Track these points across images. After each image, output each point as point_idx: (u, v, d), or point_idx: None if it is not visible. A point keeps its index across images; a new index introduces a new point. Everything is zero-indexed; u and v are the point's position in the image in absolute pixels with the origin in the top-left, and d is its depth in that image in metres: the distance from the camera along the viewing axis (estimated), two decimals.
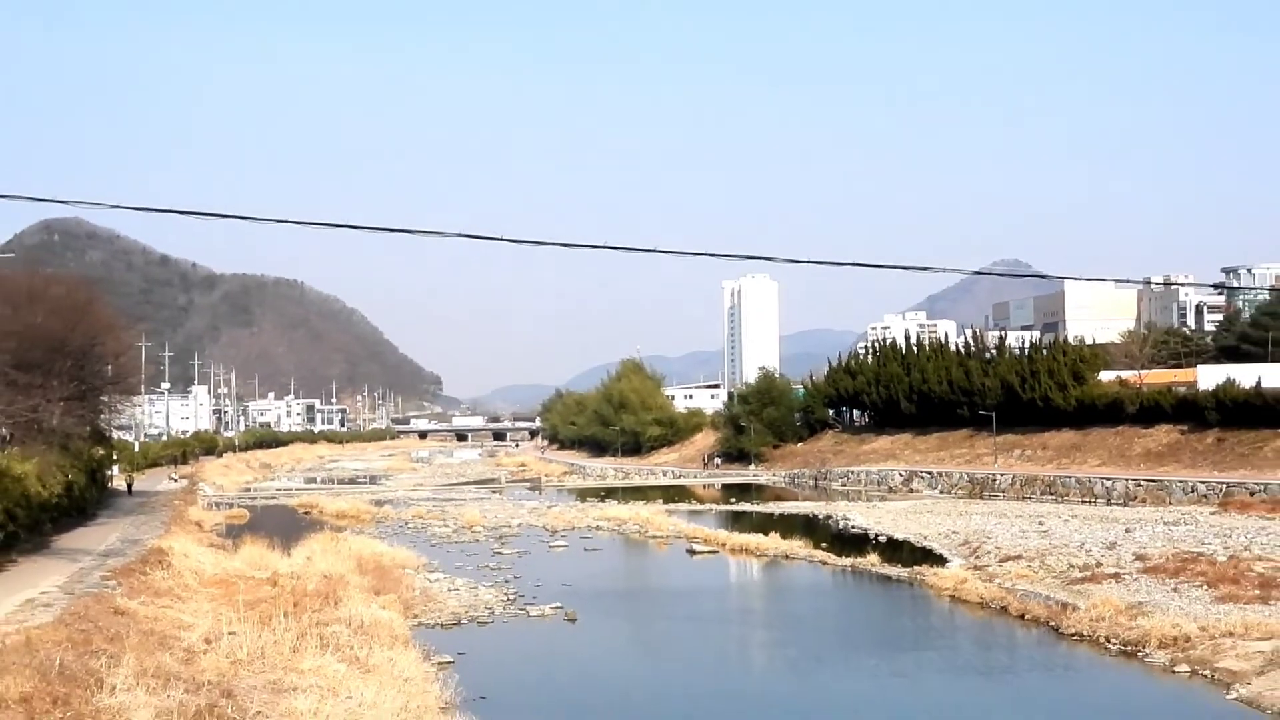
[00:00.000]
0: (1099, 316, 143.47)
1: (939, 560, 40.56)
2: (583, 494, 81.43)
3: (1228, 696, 20.99)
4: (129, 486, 64.43)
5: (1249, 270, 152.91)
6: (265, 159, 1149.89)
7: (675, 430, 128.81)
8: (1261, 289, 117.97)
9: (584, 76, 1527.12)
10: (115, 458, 68.95)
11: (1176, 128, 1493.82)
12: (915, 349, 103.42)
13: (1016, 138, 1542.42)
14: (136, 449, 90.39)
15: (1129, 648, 25.04)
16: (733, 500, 74.09)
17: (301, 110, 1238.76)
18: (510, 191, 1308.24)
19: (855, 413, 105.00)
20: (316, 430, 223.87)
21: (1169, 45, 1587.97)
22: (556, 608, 31.93)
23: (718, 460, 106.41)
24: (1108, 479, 67.54)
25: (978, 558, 40.41)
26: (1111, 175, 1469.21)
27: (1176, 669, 23.16)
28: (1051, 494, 67.90)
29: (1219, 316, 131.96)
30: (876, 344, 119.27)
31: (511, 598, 33.63)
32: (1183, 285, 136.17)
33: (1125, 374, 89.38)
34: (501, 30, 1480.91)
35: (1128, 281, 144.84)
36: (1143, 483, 65.00)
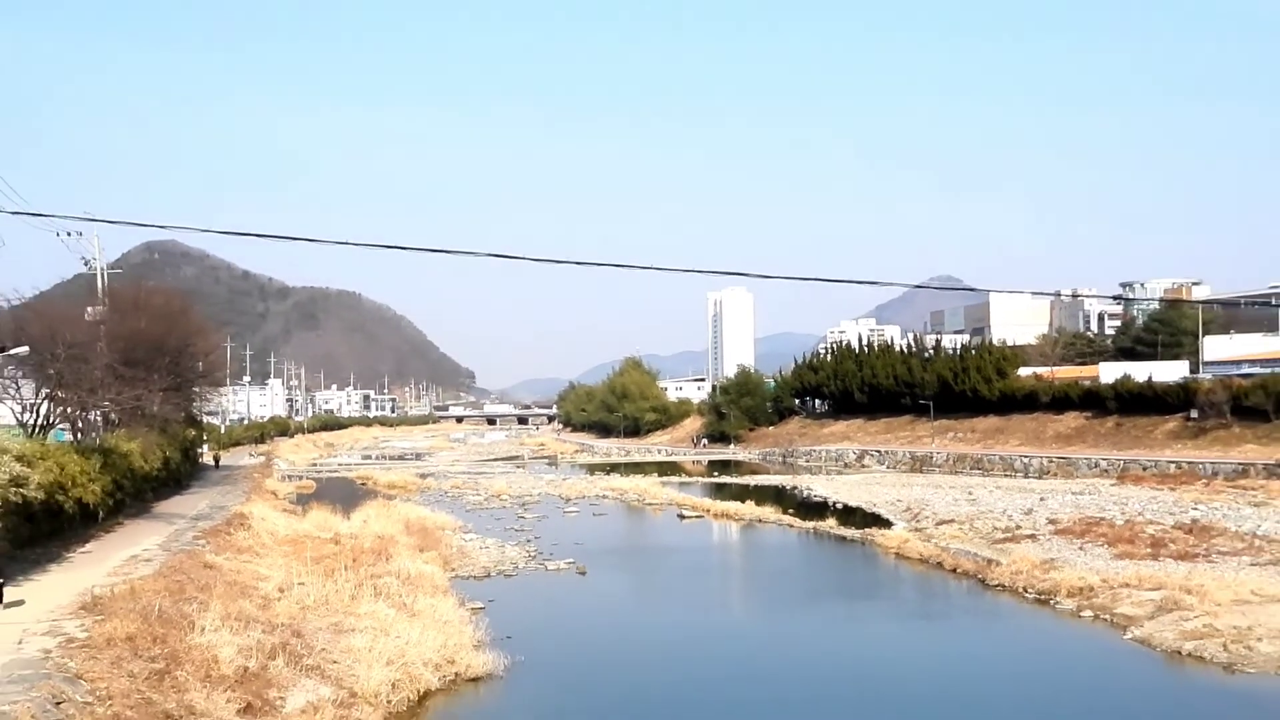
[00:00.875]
0: (1018, 323, 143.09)
1: (885, 523, 40.57)
2: (591, 469, 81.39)
3: (1125, 637, 21.01)
4: (216, 462, 64.60)
5: (1142, 284, 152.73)
6: (331, 190, 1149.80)
7: (668, 416, 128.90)
8: (1152, 300, 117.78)
9: (598, 131, 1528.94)
10: (205, 438, 68.98)
11: (1081, 165, 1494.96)
12: (866, 349, 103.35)
13: (950, 173, 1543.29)
14: (223, 431, 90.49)
15: (1043, 596, 25.08)
16: (715, 474, 74.18)
17: (356, 154, 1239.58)
18: (534, 219, 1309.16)
19: (817, 402, 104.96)
20: (371, 416, 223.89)
21: (1071, 94, 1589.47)
22: (570, 563, 31.98)
23: (704, 441, 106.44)
24: (1026, 456, 67.56)
25: (918, 521, 40.46)
26: (1029, 204, 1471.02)
27: (1082, 614, 23.20)
28: (979, 469, 67.90)
29: (1117, 323, 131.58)
30: (834, 345, 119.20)
31: (532, 554, 33.65)
32: (1087, 296, 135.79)
33: (1040, 370, 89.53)
34: (525, 93, 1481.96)
35: (1042, 293, 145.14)
36: (1054, 460, 65.05)
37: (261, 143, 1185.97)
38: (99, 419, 41.11)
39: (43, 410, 36.44)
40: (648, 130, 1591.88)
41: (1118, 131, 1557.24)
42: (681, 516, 46.10)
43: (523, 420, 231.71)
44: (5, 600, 17.55)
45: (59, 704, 12.60)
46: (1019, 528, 36.35)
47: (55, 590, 19.99)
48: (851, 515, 44.04)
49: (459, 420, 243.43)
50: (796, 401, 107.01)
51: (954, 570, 29.60)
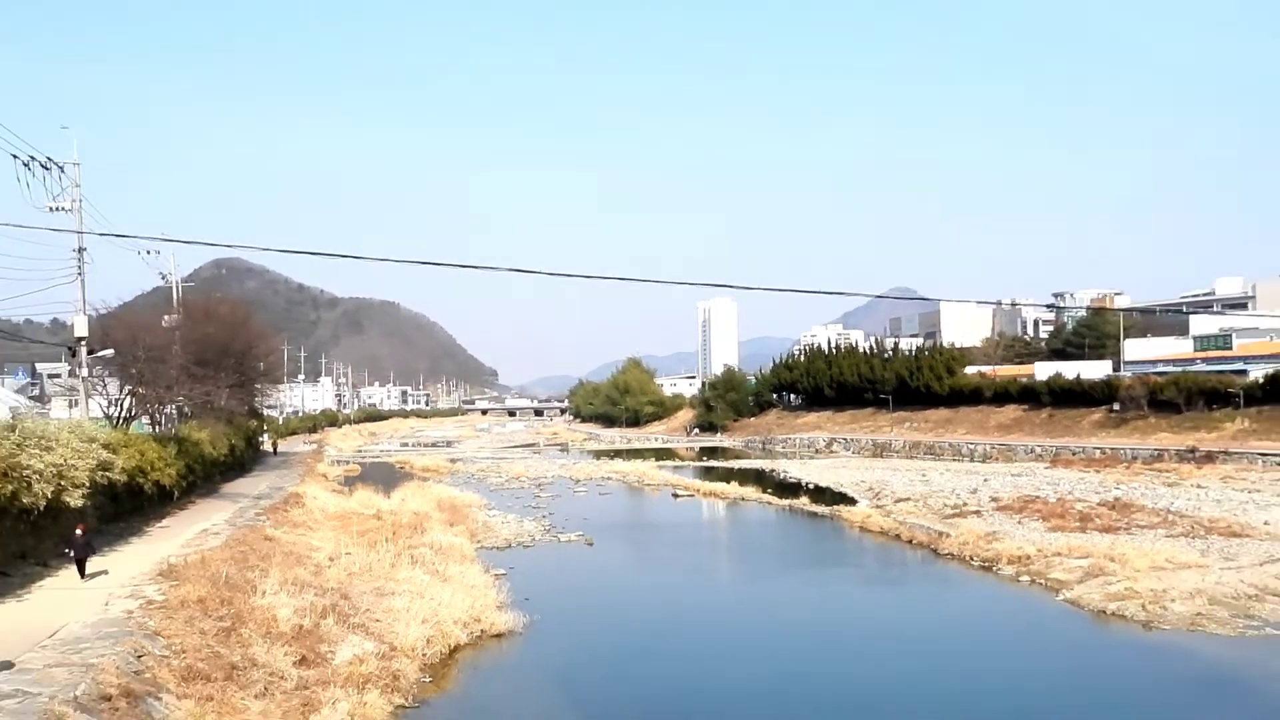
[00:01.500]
0: (965, 328, 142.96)
1: (851, 501, 40.53)
2: (598, 454, 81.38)
3: (1057, 598, 21.03)
4: (274, 448, 64.34)
5: (1071, 294, 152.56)
6: (374, 212, 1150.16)
7: (664, 409, 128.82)
8: (1080, 308, 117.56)
9: (604, 154, 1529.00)
10: (265, 428, 68.82)
11: (1022, 188, 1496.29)
12: (834, 351, 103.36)
13: (903, 198, 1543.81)
14: (280, 422, 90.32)
15: (986, 564, 25.08)
16: (704, 459, 74.12)
17: (396, 181, 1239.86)
18: (549, 237, 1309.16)
19: (792, 396, 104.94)
20: (408, 409, 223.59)
21: (999, 129, 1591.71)
22: (579, 535, 31.97)
23: (696, 430, 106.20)
24: (971, 444, 67.58)
25: (879, 499, 40.44)
26: (972, 223, 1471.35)
27: (1020, 579, 23.20)
28: (932, 454, 67.91)
29: (1050, 328, 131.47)
30: (807, 347, 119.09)
31: (547, 528, 33.62)
32: (1024, 305, 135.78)
33: (984, 369, 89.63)
34: (543, 130, 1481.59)
35: (986, 302, 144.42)
36: (996, 446, 65.05)
37: (313, 170, 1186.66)
38: (174, 412, 41.16)
39: (125, 405, 36.47)
40: (646, 155, 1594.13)
41: (1060, 157, 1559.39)
42: (675, 495, 46.08)
43: (539, 412, 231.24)
44: (88, 572, 17.65)
45: (140, 657, 12.62)
46: (966, 505, 36.37)
47: (136, 559, 20.02)
48: (822, 494, 44.02)
49: (483, 413, 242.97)
50: (774, 396, 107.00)
51: (910, 541, 29.61)
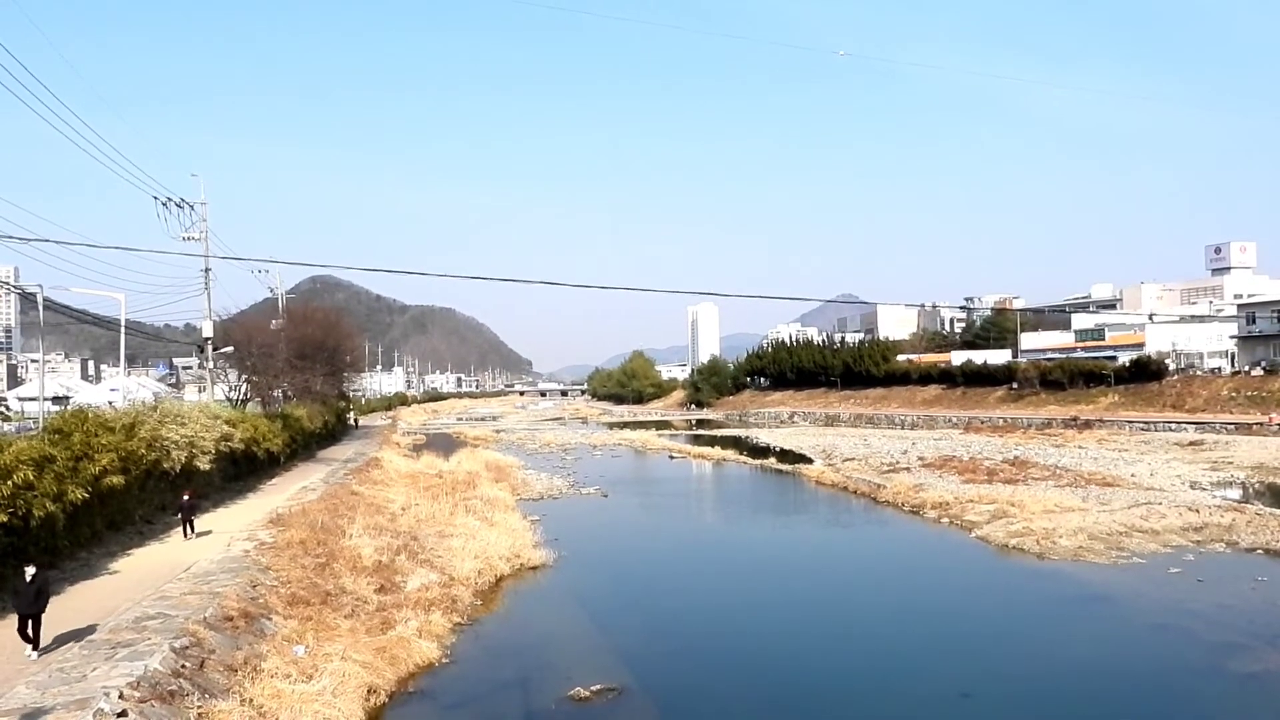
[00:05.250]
0: (897, 325, 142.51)
1: (808, 460, 40.49)
2: (611, 425, 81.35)
3: (970, 536, 20.96)
4: (356, 423, 63.89)
5: (979, 298, 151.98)
6: (433, 234, 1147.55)
7: (661, 390, 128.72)
8: (986, 308, 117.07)
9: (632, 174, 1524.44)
10: (351, 408, 68.82)
11: (936, 205, 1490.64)
12: (795, 344, 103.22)
13: (850, 219, 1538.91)
14: (363, 402, 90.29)
15: (915, 509, 25.00)
16: (694, 429, 74.04)
17: (449, 212, 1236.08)
18: (573, 251, 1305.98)
19: (762, 379, 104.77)
20: (462, 391, 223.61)
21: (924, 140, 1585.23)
22: (597, 489, 31.93)
23: (692, 406, 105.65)
24: (902, 415, 67.46)
25: (830, 459, 40.38)
26: (906, 238, 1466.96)
27: (941, 521, 23.14)
28: (871, 424, 67.79)
29: (963, 324, 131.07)
30: (773, 341, 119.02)
31: (572, 484, 33.58)
32: (943, 306, 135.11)
33: (911, 356, 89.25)
34: (577, 154, 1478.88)
35: (912, 304, 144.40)
36: (921, 417, 64.92)
37: (388, 204, 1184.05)
38: (280, 395, 41.10)
39: (242, 390, 36.48)
40: (646, 187, 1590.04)
41: (961, 186, 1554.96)
42: (671, 457, 46.00)
43: (564, 393, 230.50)
44: (196, 530, 16.68)
45: (255, 586, 12.61)
46: (898, 463, 36.30)
47: (252, 510, 20.03)
48: (785, 455, 43.95)
49: (521, 394, 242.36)
50: (748, 379, 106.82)
51: (855, 492, 29.54)
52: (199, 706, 8.49)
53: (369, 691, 10.27)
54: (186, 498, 16.74)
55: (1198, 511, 21.87)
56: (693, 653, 13.09)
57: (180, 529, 16.67)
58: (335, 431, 48.42)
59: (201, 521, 17.96)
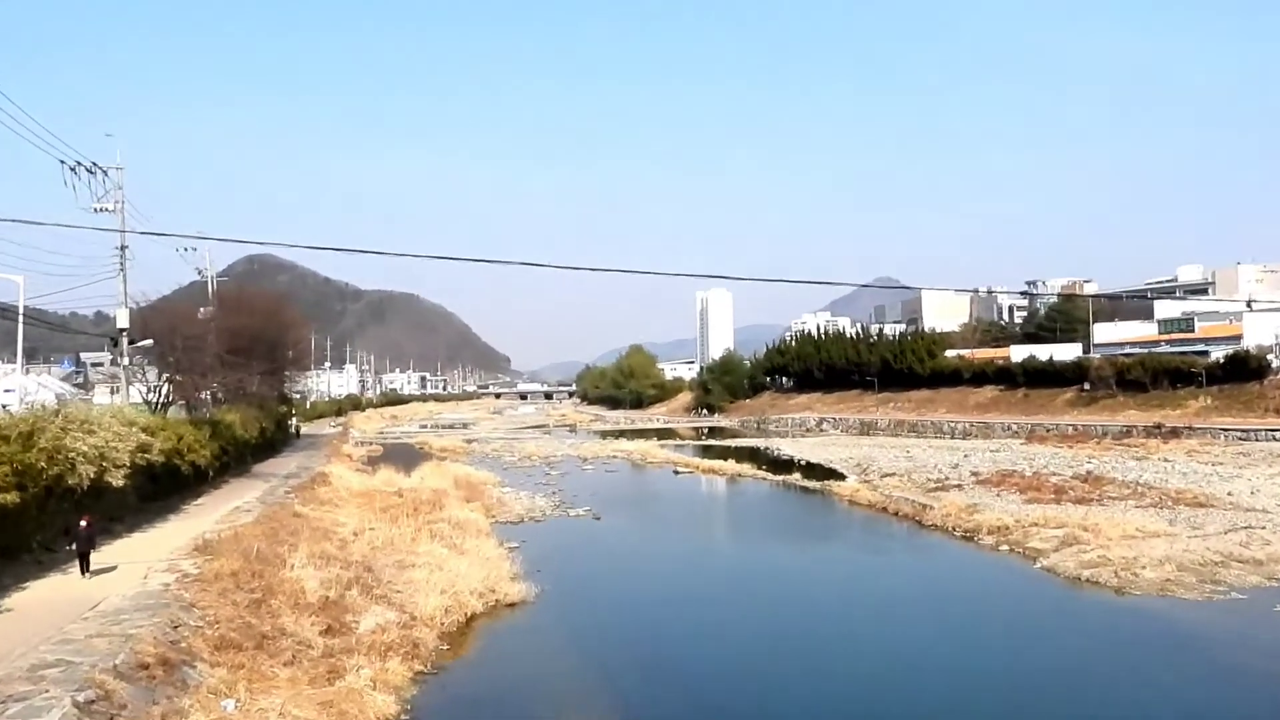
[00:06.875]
0: (945, 314, 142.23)
1: (840, 476, 40.42)
2: (604, 434, 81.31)
3: (1035, 566, 20.88)
4: (298, 431, 63.44)
5: (1043, 282, 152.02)
6: (393, 209, 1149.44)
7: (664, 392, 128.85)
8: (1052, 294, 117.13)
9: (605, 153, 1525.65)
10: (294, 412, 68.72)
11: (994, 181, 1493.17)
12: (823, 336, 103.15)
13: (887, 190, 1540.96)
14: (308, 406, 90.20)
15: (968, 534, 24.93)
16: (703, 438, 74.03)
17: (412, 182, 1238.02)
18: (555, 229, 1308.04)
19: (784, 379, 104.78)
20: (427, 393, 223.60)
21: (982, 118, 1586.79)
22: (587, 510, 31.87)
23: (701, 411, 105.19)
24: (952, 422, 67.39)
25: (866, 474, 40.29)
26: (953, 215, 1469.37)
27: (1000, 548, 23.06)
28: (915, 432, 67.76)
29: (1024, 313, 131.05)
30: (797, 334, 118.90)
31: (557, 504, 33.53)
32: (1000, 292, 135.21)
33: (963, 352, 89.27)
34: (558, 141, 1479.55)
35: (964, 290, 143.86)
36: (975, 424, 64.85)
37: (338, 174, 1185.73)
38: (209, 397, 41.00)
39: (164, 391, 36.37)
40: (645, 156, 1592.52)
41: (1021, 159, 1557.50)
42: (676, 472, 45.95)
43: (548, 396, 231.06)
44: (92, 567, 15.55)
45: (176, 628, 12.49)
46: (947, 479, 36.21)
47: (173, 535, 19.91)
48: (813, 470, 43.86)
49: (497, 396, 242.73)
50: (768, 379, 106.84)
51: (896, 513, 29.46)
52: None
53: None
54: (84, 524, 15.63)
55: None
56: (702, 710, 12.98)
57: (113, 548, 16.70)
58: (275, 441, 48.32)
59: (112, 549, 17.83)
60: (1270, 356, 60.26)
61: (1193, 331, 73.06)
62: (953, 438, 62.31)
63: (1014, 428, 61.15)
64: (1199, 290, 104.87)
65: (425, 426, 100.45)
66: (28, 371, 64.15)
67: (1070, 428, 57.24)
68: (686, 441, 70.34)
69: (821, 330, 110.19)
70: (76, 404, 28.67)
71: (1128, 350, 71.49)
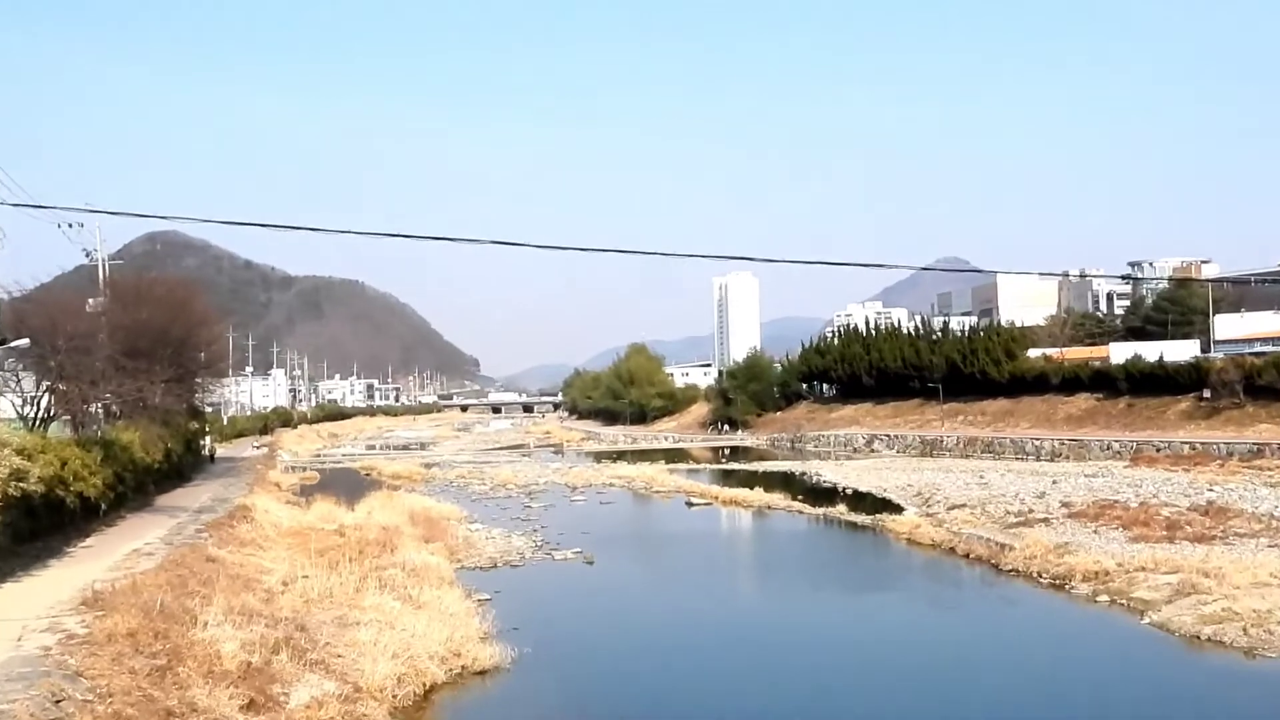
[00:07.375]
0: (1026, 304, 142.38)
1: (896, 509, 40.34)
2: (598, 456, 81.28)
3: (1142, 622, 20.79)
4: (213, 454, 63.25)
5: (1150, 263, 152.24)
6: (331, 180, 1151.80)
7: (674, 402, 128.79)
8: (1161, 279, 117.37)
9: (597, 114, 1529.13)
10: (207, 430, 68.71)
11: (1084, 144, 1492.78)
12: (873, 332, 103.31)
13: (953, 153, 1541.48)
14: (225, 422, 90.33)
15: (1058, 581, 24.86)
16: (723, 460, 73.98)
17: (353, 144, 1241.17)
18: (536, 207, 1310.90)
19: (824, 386, 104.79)
20: (375, 405, 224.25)
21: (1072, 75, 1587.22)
22: (577, 552, 31.82)
23: (722, 427, 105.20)
24: (1037, 439, 67.33)
25: (929, 506, 40.20)
26: (1036, 182, 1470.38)
27: (1098, 599, 22.98)
28: (990, 452, 67.65)
29: (1126, 302, 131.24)
30: (841, 328, 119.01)
31: (539, 544, 33.50)
32: (1096, 276, 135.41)
33: (1049, 351, 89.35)
34: (528, 83, 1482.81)
35: (1050, 274, 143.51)
36: (1066, 442, 64.79)
37: (261, 134, 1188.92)
38: (100, 411, 40.96)
39: (43, 403, 36.33)
40: (648, 112, 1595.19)
41: (1123, 113, 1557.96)
42: (689, 504, 45.87)
43: (528, 408, 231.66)
44: None
45: (59, 702, 12.44)
46: (1031, 511, 36.11)
47: (56, 585, 19.83)
48: (861, 500, 43.79)
49: (463, 409, 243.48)
50: (804, 386, 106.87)
51: (967, 555, 29.40)
52: None
53: None
54: None
55: None
56: None
57: None
58: (184, 466, 48.30)
59: None
60: None
61: None
62: (1038, 459, 62.14)
63: (1115, 446, 61.07)
64: None
65: (373, 447, 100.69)
66: None
67: (1185, 446, 57.13)
68: (702, 465, 70.25)
69: (872, 325, 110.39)
70: None
71: (1258, 348, 71.47)
